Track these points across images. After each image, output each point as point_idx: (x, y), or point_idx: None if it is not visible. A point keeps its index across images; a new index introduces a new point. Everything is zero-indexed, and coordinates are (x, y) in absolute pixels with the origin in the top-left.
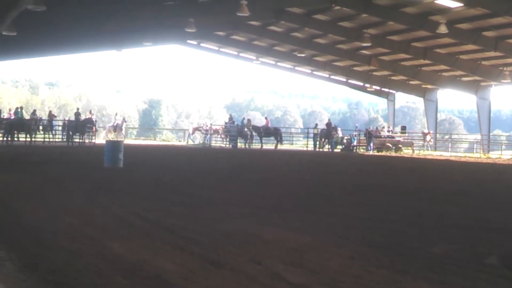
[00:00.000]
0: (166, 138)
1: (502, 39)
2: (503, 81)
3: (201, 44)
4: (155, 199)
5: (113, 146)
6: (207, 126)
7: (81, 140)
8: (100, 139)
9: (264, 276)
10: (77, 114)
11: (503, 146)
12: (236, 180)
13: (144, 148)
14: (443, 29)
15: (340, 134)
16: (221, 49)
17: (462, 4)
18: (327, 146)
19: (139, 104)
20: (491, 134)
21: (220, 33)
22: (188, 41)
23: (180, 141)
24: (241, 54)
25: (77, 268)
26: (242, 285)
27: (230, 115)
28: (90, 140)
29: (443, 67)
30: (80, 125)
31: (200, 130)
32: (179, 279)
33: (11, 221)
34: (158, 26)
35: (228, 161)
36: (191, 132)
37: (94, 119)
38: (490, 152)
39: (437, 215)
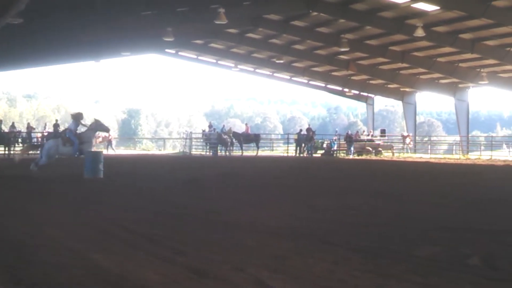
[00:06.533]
0: (146, 147)
1: (478, 41)
2: (480, 82)
3: (179, 53)
4: (137, 209)
5: (93, 156)
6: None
7: None
8: None
9: (248, 284)
10: (56, 125)
11: (482, 147)
12: (217, 188)
13: (124, 158)
14: (420, 32)
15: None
16: (199, 57)
17: (438, 7)
18: (307, 151)
19: (118, 114)
20: (470, 135)
21: (198, 41)
22: (166, 50)
23: (160, 150)
24: (219, 62)
25: (60, 282)
26: None
27: (210, 122)
28: None
29: (421, 70)
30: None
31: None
32: None
33: None
34: (136, 36)
35: (209, 169)
36: None
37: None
38: (469, 153)
39: (419, 217)
